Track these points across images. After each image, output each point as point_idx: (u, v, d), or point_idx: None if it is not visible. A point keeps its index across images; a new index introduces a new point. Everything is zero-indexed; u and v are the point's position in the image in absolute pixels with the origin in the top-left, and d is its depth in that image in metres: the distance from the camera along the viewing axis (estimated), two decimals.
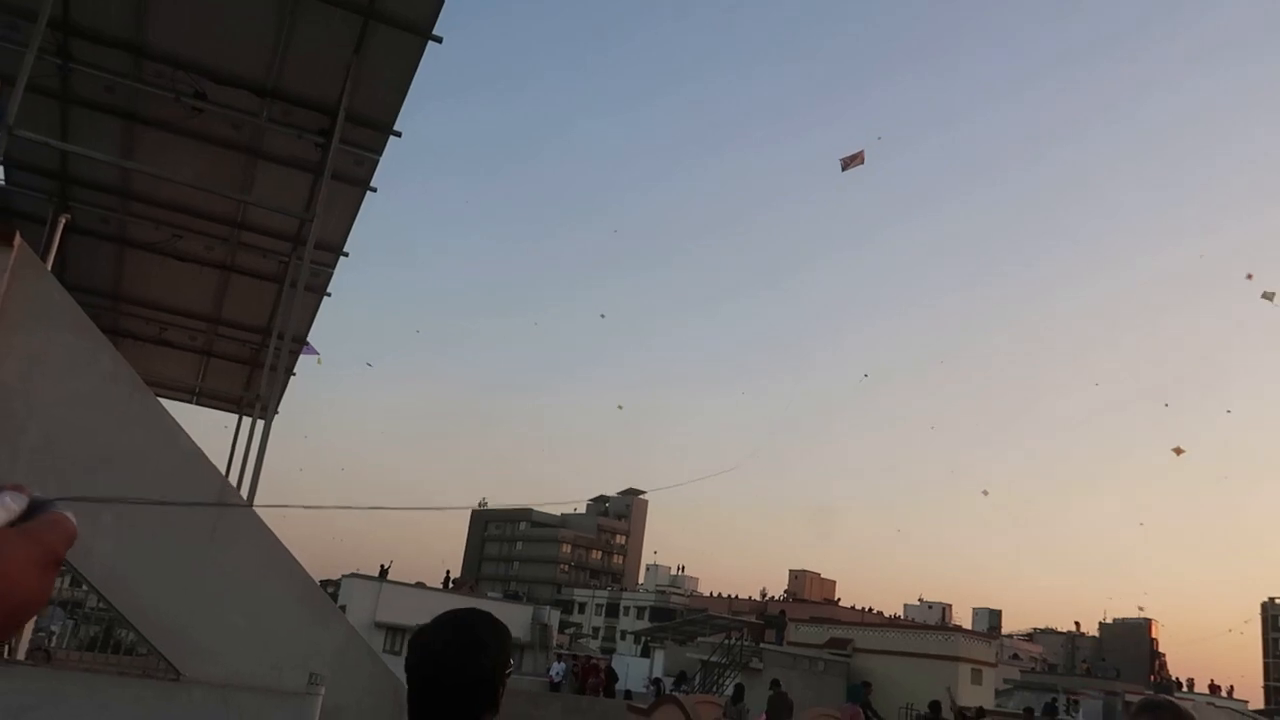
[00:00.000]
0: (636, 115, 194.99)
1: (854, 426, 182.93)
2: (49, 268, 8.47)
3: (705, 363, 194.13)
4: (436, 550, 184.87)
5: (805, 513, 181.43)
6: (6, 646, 13.77)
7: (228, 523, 7.19)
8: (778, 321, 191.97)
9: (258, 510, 7.54)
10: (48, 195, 10.41)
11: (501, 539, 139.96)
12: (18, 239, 6.65)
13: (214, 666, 6.67)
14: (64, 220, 10.12)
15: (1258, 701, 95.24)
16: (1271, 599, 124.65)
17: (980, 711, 19.54)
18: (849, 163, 18.42)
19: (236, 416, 14.91)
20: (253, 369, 14.35)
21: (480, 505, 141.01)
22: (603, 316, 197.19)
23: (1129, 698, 47.16)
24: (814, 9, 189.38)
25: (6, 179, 10.10)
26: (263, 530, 7.38)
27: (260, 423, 12.77)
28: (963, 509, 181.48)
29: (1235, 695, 70.25)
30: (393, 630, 39.66)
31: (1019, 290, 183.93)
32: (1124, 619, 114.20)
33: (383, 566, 46.04)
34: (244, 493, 8.94)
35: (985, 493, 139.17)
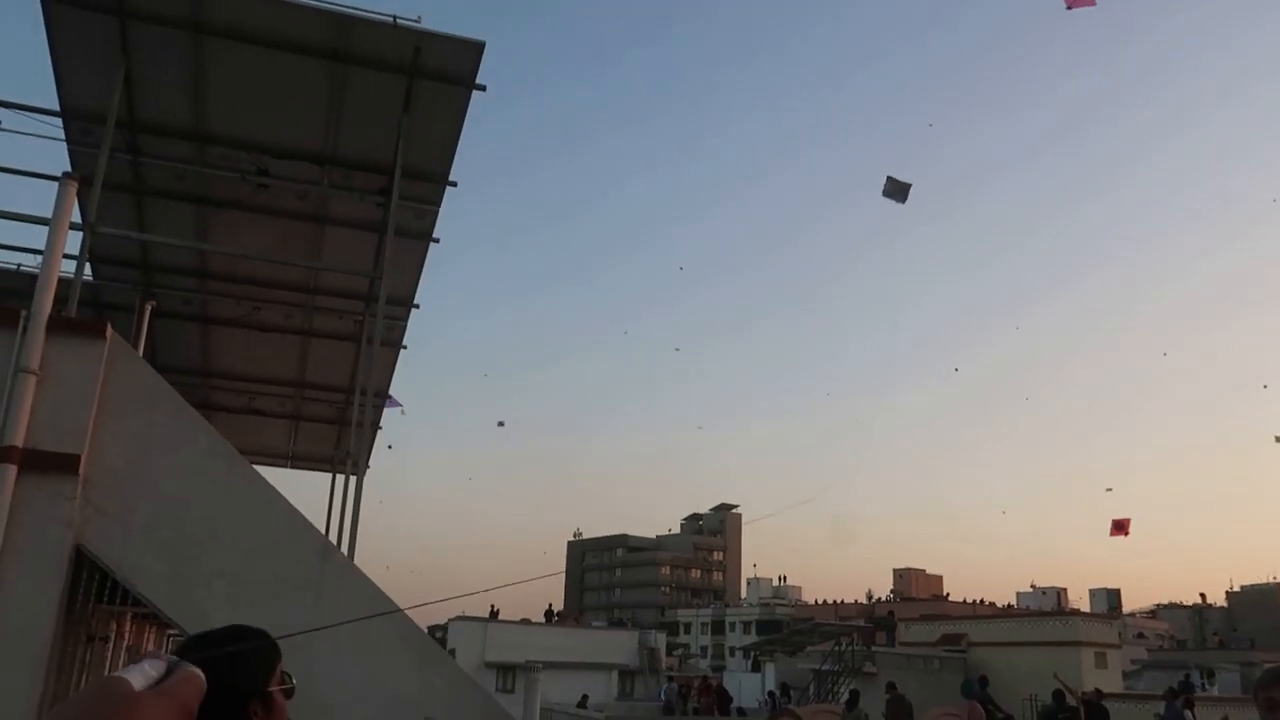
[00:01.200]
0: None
1: (952, 422, 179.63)
2: (140, 353, 8.89)
3: (782, 372, 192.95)
4: (538, 586, 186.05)
5: (911, 509, 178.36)
6: None
7: (332, 579, 7.44)
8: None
9: (358, 564, 7.78)
10: (132, 284, 10.94)
11: (600, 567, 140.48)
12: (109, 331, 7.02)
13: (333, 717, 6.89)
14: (149, 307, 10.62)
15: None
16: None
17: (1099, 694, 18.94)
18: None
19: (330, 475, 15.35)
20: (341, 427, 14.77)
21: (575, 536, 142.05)
22: (678, 349, 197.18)
23: (1269, 667, 45.21)
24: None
25: (94, 274, 10.63)
26: (366, 583, 7.61)
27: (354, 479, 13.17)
28: (1074, 492, 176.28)
29: None
30: (503, 669, 40.07)
31: (1126, 277, 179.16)
32: (1254, 585, 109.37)
33: (493, 607, 46.67)
34: (344, 548, 9.23)
35: (1109, 489, 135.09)
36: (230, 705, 1.85)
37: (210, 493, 7.16)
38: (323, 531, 11.13)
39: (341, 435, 14.97)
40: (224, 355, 12.90)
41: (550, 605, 53.98)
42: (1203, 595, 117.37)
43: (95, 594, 7.34)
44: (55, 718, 0.90)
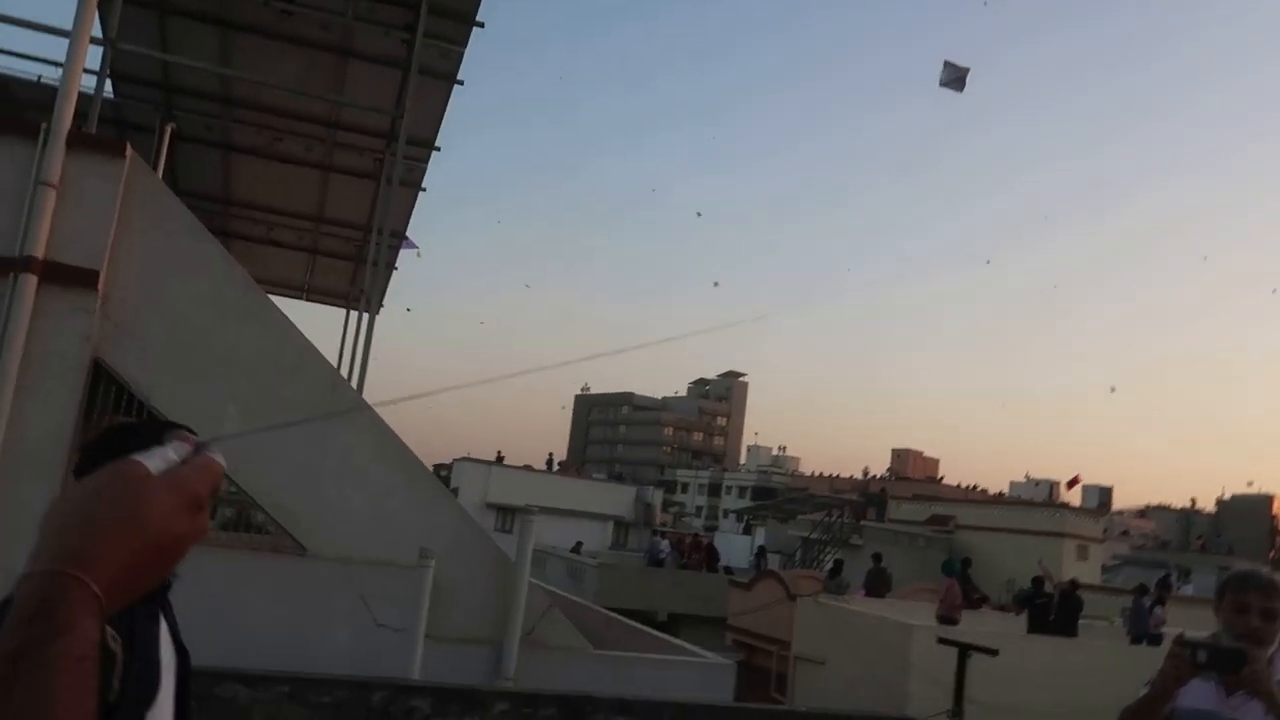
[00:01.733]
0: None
1: (959, 305, 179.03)
2: (160, 175, 8.90)
3: (812, 250, 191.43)
4: (542, 436, 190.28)
5: (921, 392, 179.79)
6: None
7: (340, 409, 7.66)
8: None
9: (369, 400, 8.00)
10: (153, 105, 10.84)
11: (605, 423, 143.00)
12: (129, 150, 7.03)
13: (335, 543, 7.22)
14: (170, 129, 10.55)
15: None
16: None
17: (1074, 584, 19.56)
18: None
19: (344, 310, 15.55)
20: (357, 265, 14.86)
21: (583, 391, 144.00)
22: (699, 214, 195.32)
23: (1235, 568, 46.36)
24: None
25: (115, 92, 10.53)
26: (374, 418, 7.83)
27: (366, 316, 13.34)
28: (1075, 385, 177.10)
29: None
30: (503, 510, 41.36)
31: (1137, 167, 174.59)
32: (1243, 495, 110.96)
33: (499, 453, 47.86)
34: (354, 384, 9.44)
35: (1113, 389, 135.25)
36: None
37: (226, 319, 7.30)
38: (335, 365, 11.39)
39: (357, 272, 15.08)
40: (244, 184, 12.88)
41: (551, 454, 55.26)
42: (1193, 500, 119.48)
43: (112, 406, 7.60)
44: (66, 495, 0.88)
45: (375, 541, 7.13)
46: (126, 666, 1.73)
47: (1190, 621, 25.70)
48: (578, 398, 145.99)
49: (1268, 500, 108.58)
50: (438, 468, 49.04)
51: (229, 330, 7.32)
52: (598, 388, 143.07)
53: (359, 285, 14.44)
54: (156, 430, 2.03)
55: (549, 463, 52.29)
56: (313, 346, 7.75)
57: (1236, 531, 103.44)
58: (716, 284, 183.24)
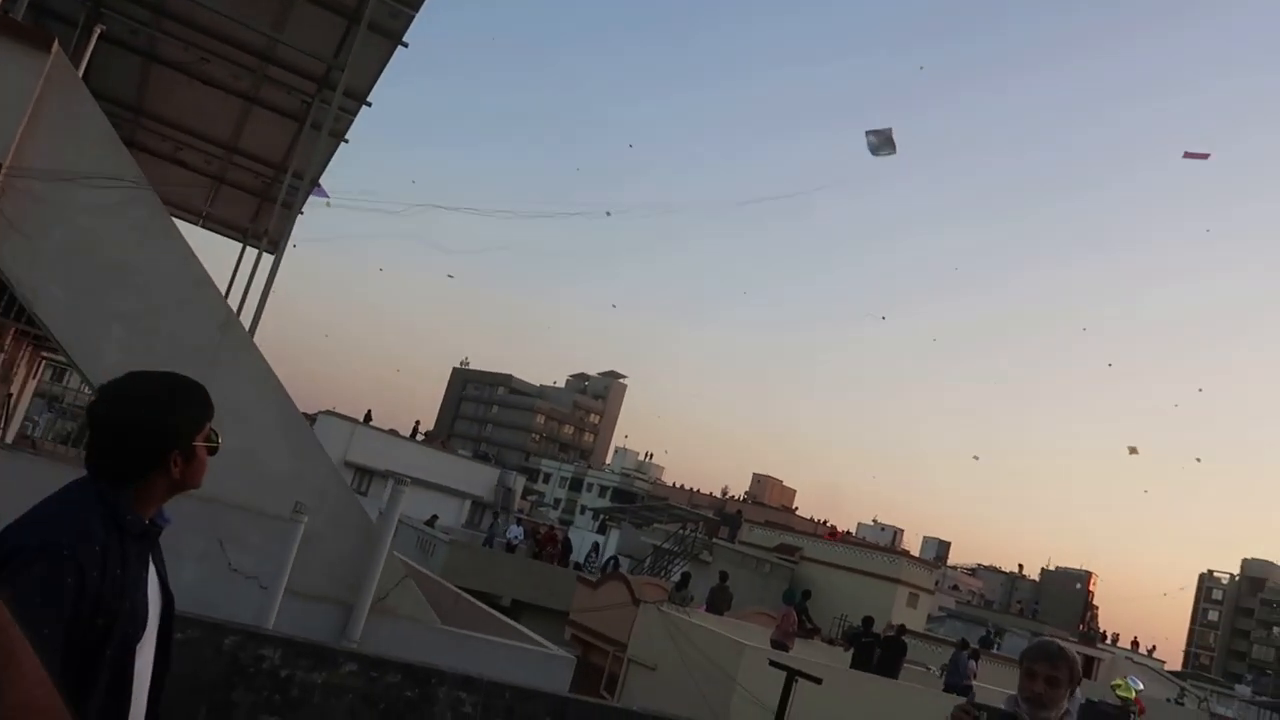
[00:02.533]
0: None
1: (856, 360, 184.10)
2: (80, 75, 8.58)
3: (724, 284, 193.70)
4: (413, 404, 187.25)
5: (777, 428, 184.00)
6: None
7: (229, 351, 7.54)
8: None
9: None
10: (80, 1, 10.41)
11: (479, 400, 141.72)
12: (55, 47, 6.79)
13: (203, 483, 7.12)
14: (98, 30, 10.14)
15: (1175, 664, 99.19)
16: (1210, 571, 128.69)
17: (901, 629, 20.54)
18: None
19: (240, 246, 15.15)
20: (262, 201, 14.51)
21: (462, 364, 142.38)
22: (608, 214, 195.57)
23: (1038, 638, 49.20)
24: None
25: None
26: (260, 362, 7.74)
27: (266, 256, 13.06)
28: (935, 446, 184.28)
29: (1156, 655, 73.28)
30: (362, 471, 40.64)
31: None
32: (1065, 568, 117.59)
33: (368, 412, 46.89)
34: (245, 322, 9.29)
35: (976, 458, 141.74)
36: (154, 450, 1.95)
37: (126, 236, 7.12)
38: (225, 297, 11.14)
39: (261, 209, 14.73)
40: (160, 97, 12.44)
41: (418, 422, 54.31)
42: (1020, 566, 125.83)
43: None
44: None
45: (245, 488, 7.06)
46: (116, 605, 1.84)
47: (1000, 678, 27.29)
48: (455, 370, 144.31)
49: (1087, 576, 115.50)
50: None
51: (127, 248, 7.14)
52: (478, 364, 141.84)
53: (261, 222, 14.12)
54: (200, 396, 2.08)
55: (414, 431, 51.45)
56: (209, 279, 7.61)
57: (1055, 600, 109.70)
58: (609, 213, 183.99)
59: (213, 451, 2.11)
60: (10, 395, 14.94)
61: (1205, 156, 19.06)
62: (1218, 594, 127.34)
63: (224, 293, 13.55)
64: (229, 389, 7.39)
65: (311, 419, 47.18)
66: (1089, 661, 47.82)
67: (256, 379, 7.56)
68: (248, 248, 14.95)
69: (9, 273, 6.71)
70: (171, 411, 1.99)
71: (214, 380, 6.89)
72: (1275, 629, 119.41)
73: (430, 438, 55.65)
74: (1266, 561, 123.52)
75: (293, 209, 11.35)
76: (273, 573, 6.78)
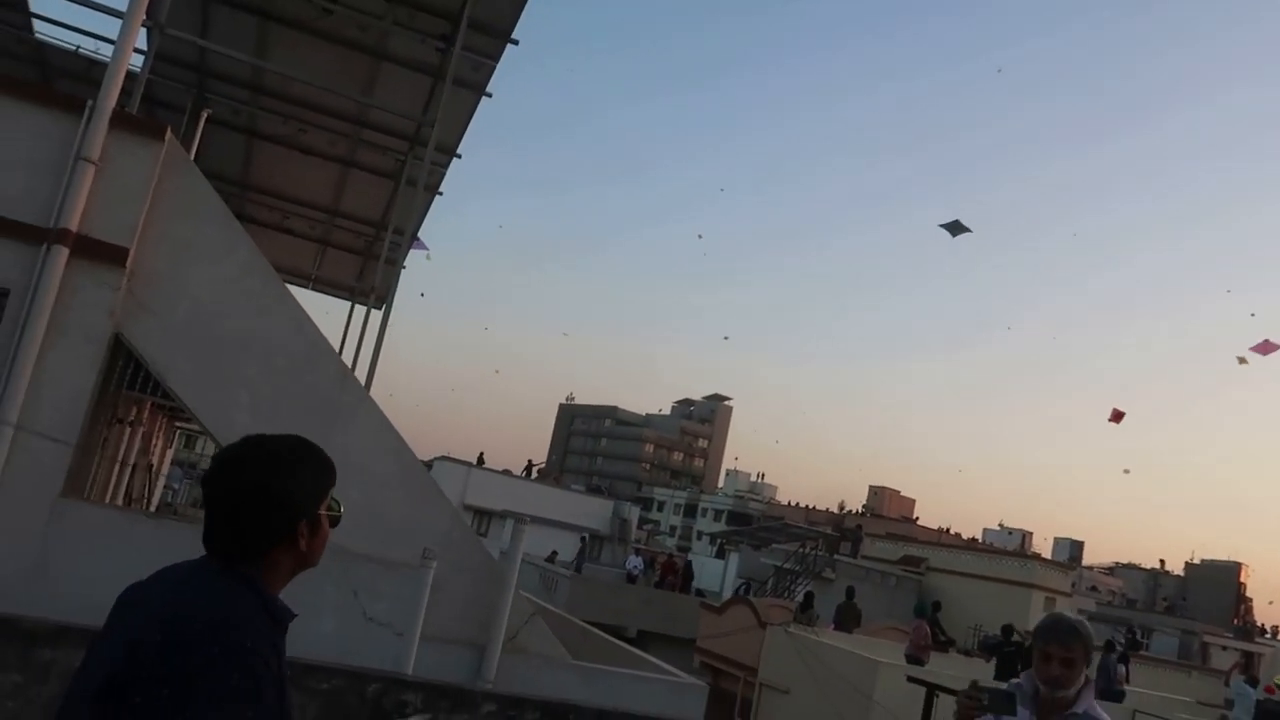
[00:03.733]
0: None
1: (957, 357, 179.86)
2: (192, 157, 9.06)
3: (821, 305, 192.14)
4: (524, 442, 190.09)
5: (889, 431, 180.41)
6: (143, 500, 15.10)
7: (348, 406, 7.81)
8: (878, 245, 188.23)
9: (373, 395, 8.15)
10: (187, 87, 11.01)
11: (587, 434, 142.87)
12: (168, 134, 7.20)
13: (331, 537, 7.36)
14: (205, 114, 10.71)
15: None
16: None
17: (1028, 634, 19.79)
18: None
19: (349, 303, 15.70)
20: (366, 260, 15.02)
21: (568, 400, 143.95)
22: (700, 237, 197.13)
23: (1206, 639, 46.74)
24: None
25: (154, 72, 10.71)
26: (377, 413, 7.98)
27: (374, 312, 13.51)
28: (1064, 440, 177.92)
29: None
30: (480, 513, 41.38)
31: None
32: (1212, 560, 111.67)
33: (481, 454, 47.85)
34: (359, 378, 9.61)
35: (1127, 471, 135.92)
36: (282, 520, 1.79)
37: (245, 306, 7.45)
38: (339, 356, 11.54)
39: (365, 267, 15.24)
40: (265, 170, 13.04)
41: (530, 460, 55.17)
42: (1162, 561, 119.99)
43: (126, 381, 7.74)
44: None
45: (372, 538, 7.27)
46: (287, 707, 1.74)
47: (1152, 680, 25.99)
48: (562, 407, 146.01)
49: (1236, 567, 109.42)
50: None
51: (247, 318, 7.48)
52: (583, 399, 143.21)
53: (367, 280, 14.61)
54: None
55: (528, 469, 52.25)
56: (325, 340, 7.91)
57: (1202, 595, 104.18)
58: (700, 236, 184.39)
59: (335, 522, 1.93)
60: (151, 465, 15.74)
61: None
62: None
63: (338, 350, 14.13)
64: (350, 444, 7.65)
65: (428, 465, 48.37)
66: (1249, 657, 45.23)
67: (375, 432, 7.80)
68: (356, 305, 15.48)
69: (142, 350, 7.09)
70: (295, 477, 1.83)
71: (335, 436, 7.14)
72: None
73: (543, 474, 56.40)
74: None
75: (395, 265, 11.72)
76: (407, 619, 6.95)
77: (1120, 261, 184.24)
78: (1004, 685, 3.30)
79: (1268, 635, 65.25)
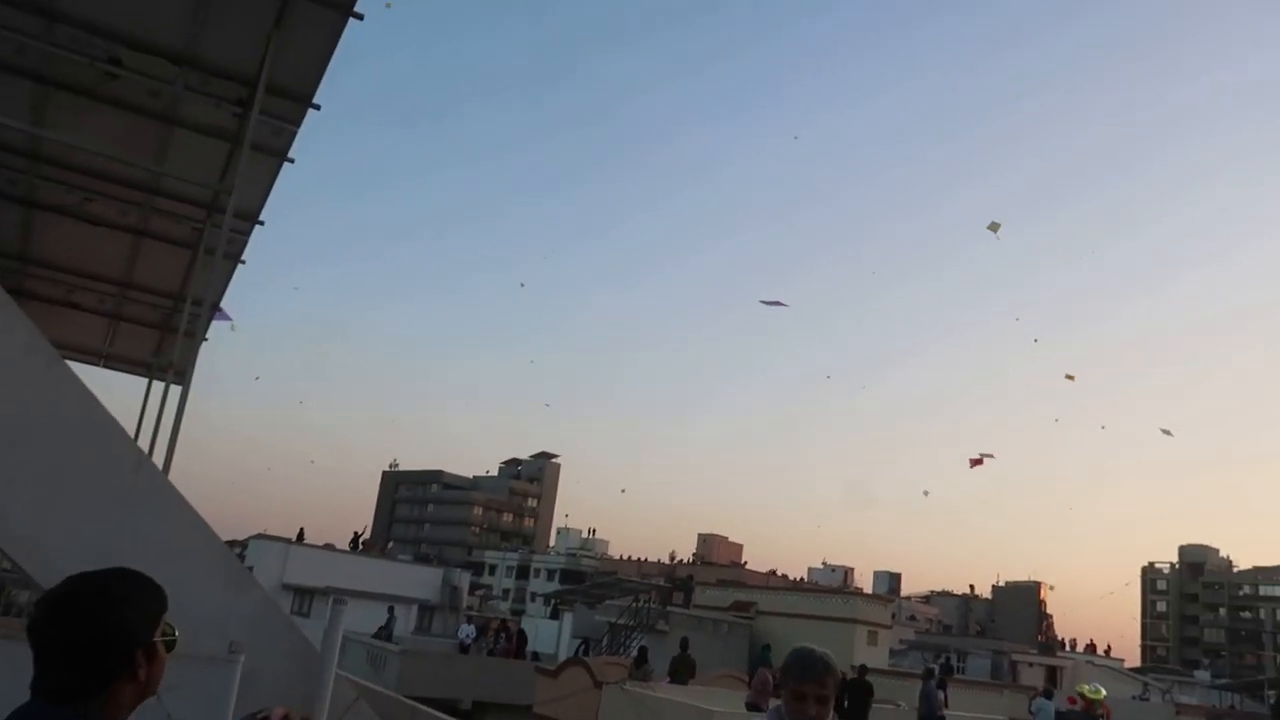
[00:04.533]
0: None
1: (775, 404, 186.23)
2: None
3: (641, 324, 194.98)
4: (346, 513, 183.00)
5: (728, 481, 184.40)
6: None
7: (144, 489, 7.28)
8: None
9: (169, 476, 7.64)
10: None
11: (413, 500, 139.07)
12: None
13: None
14: None
15: (1134, 660, 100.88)
16: (1151, 563, 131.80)
17: (863, 669, 20.54)
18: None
19: (146, 380, 14.75)
20: (163, 333, 14.18)
21: (391, 467, 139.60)
22: (522, 285, 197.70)
23: (1014, 658, 49.69)
24: None
25: None
26: (177, 497, 7.48)
27: (174, 388, 12.74)
28: (875, 478, 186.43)
29: (1112, 654, 74.54)
30: (300, 592, 39.42)
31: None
32: (1015, 582, 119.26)
33: (300, 530, 45.73)
34: (158, 459, 9.02)
35: (926, 493, 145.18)
36: (120, 654, 1.78)
37: (25, 391, 6.87)
38: (134, 436, 10.78)
39: (164, 341, 14.39)
40: (45, 243, 12.15)
41: (356, 533, 53.05)
42: (971, 587, 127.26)
43: None
44: None
45: (179, 636, 6.77)
46: None
47: (969, 702, 27.28)
48: (385, 474, 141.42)
49: (1036, 587, 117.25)
50: (230, 544, 46.27)
51: (28, 403, 6.89)
52: (407, 464, 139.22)
53: (165, 355, 13.79)
54: None
55: (354, 541, 50.18)
56: (116, 423, 7.38)
57: (1010, 616, 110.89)
58: (522, 285, 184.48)
59: (170, 646, 1.92)
60: None
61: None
62: (1162, 584, 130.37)
63: (136, 431, 13.19)
64: (147, 533, 7.13)
65: (242, 545, 45.74)
66: (1052, 671, 48.30)
67: (175, 517, 7.31)
68: (155, 381, 14.57)
69: None
70: (128, 609, 1.82)
71: (130, 525, 6.65)
72: (1221, 610, 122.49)
73: (368, 545, 54.34)
74: (1201, 546, 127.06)
75: (195, 337, 11.14)
76: (215, 717, 6.48)
77: (920, 308, 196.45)
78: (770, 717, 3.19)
79: (1068, 649, 70.05)
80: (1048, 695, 21.62)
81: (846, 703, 18.62)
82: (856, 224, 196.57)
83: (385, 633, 31.97)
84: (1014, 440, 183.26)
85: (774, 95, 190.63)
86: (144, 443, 11.66)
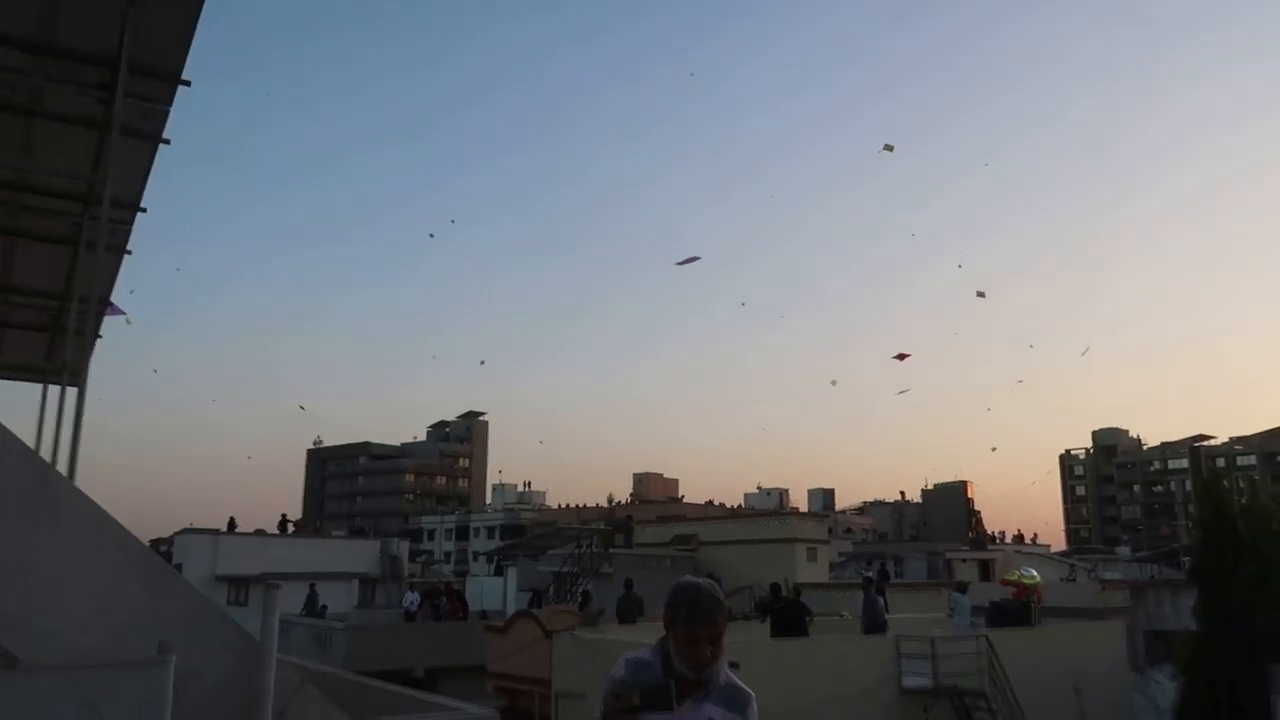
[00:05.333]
0: None
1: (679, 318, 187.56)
2: None
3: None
4: (275, 497, 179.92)
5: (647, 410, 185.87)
6: None
7: (50, 501, 7.04)
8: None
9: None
10: None
11: (342, 476, 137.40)
12: None
13: (54, 648, 6.62)
14: None
15: (1060, 544, 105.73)
16: (1068, 450, 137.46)
17: (796, 589, 21.20)
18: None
19: (41, 386, 14.16)
20: (54, 335, 13.61)
21: (316, 444, 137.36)
22: (432, 235, 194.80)
23: (948, 556, 51.60)
24: None
25: None
26: (87, 503, 7.25)
27: (70, 391, 12.27)
28: (797, 394, 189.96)
29: (1040, 541, 78.09)
30: (235, 582, 38.78)
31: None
32: (943, 484, 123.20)
33: (231, 519, 44.82)
34: (61, 466, 8.73)
35: (834, 382, 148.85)
36: None
37: None
38: (34, 446, 10.40)
39: (54, 343, 13.82)
40: None
41: (284, 515, 52.08)
42: (902, 493, 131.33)
43: None
44: None
45: (102, 641, 6.62)
46: None
47: (910, 604, 28.23)
48: (310, 452, 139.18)
49: (963, 486, 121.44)
50: (155, 543, 45.22)
51: None
52: (331, 439, 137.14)
53: (57, 358, 13.24)
54: None
55: (282, 525, 49.33)
56: (12, 436, 7.09)
57: (940, 516, 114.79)
58: (432, 235, 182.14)
59: None
60: None
61: None
62: (1079, 470, 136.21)
63: (35, 440, 12.68)
64: (61, 544, 6.92)
65: (167, 543, 44.74)
66: (984, 564, 50.36)
67: (88, 524, 7.09)
68: (49, 386, 14.00)
69: None
70: None
71: (42, 539, 6.44)
72: (1135, 488, 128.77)
73: (300, 528, 53.59)
74: (1112, 429, 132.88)
75: (87, 336, 10.70)
76: None
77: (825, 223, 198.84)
78: (646, 656, 3.01)
79: (998, 542, 73.05)
80: (962, 589, 22.60)
81: (789, 617, 19.11)
82: (759, 156, 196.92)
83: (310, 612, 31.67)
84: (931, 351, 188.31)
85: (678, 47, 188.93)
86: (46, 451, 11.22)
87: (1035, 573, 23.09)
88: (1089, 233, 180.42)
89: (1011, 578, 23.47)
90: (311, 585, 33.50)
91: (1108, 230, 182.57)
